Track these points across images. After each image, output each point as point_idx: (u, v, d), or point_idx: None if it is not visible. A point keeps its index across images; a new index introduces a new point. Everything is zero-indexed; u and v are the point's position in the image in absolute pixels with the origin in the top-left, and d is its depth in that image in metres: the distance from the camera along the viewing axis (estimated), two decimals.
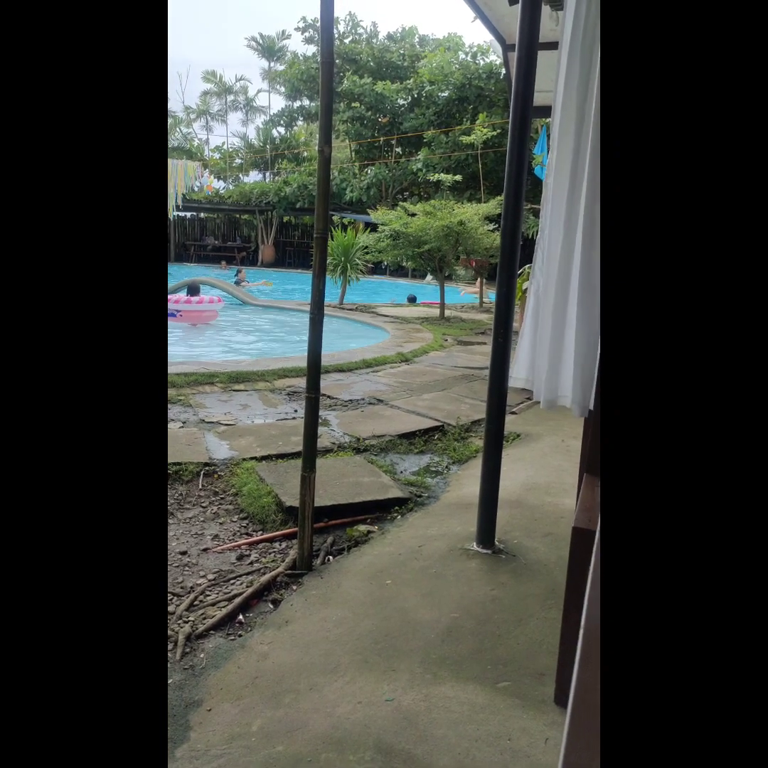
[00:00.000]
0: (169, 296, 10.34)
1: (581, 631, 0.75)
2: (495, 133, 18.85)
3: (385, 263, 16.60)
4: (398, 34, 25.78)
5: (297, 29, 26.71)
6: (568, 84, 2.20)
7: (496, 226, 11.02)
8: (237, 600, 2.35)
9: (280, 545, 2.83)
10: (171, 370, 5.54)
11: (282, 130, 29.78)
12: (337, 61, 24.01)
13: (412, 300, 14.95)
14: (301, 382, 5.46)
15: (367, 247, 12.07)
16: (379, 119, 23.48)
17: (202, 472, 3.46)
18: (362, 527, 2.97)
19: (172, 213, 14.78)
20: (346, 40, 25.56)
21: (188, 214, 27.15)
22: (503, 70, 13.46)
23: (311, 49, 27.27)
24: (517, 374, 2.46)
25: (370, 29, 26.22)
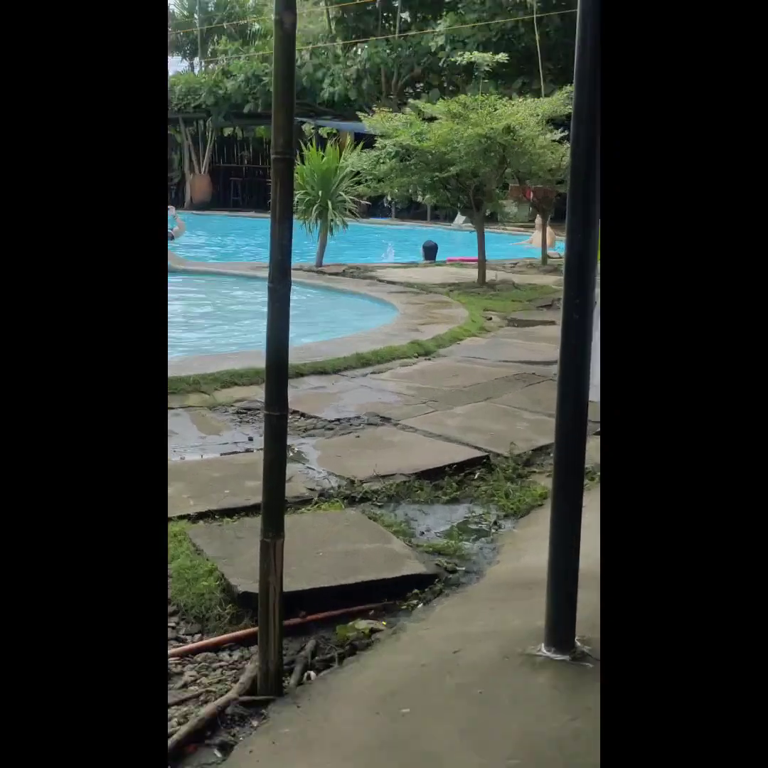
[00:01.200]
0: None
1: None
2: None
3: (389, 198, 16.58)
4: None
5: None
6: None
7: (566, 133, 10.87)
8: None
9: (230, 656, 2.86)
10: None
11: None
12: None
13: (430, 251, 14.92)
14: (258, 393, 5.47)
15: (358, 173, 12.10)
16: None
17: None
18: (362, 623, 3.00)
19: None
20: None
21: None
22: None
23: None
24: (595, 380, 2.54)
25: None
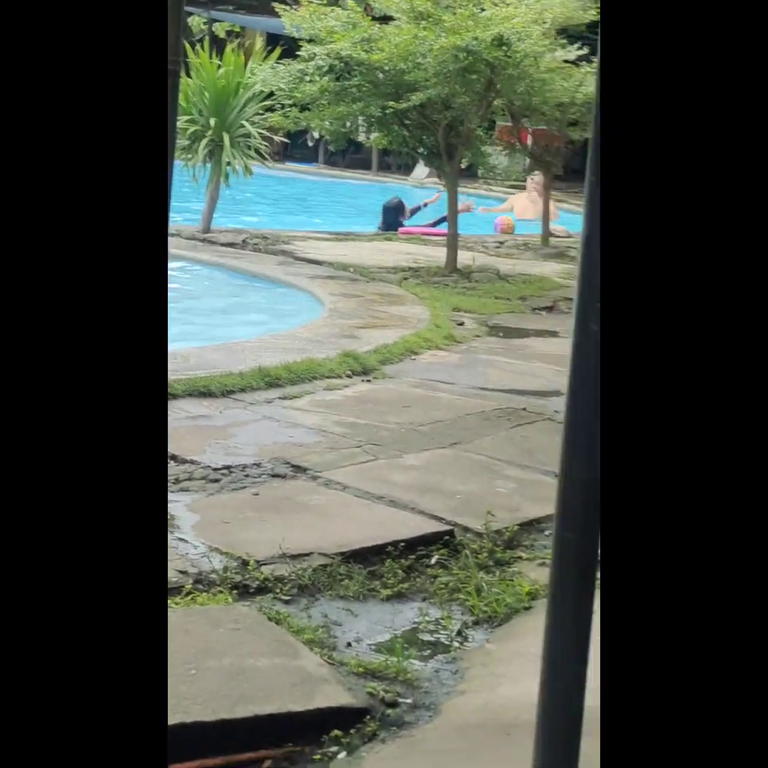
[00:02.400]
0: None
1: None
2: None
3: (316, 135, 15.02)
4: None
5: None
6: None
7: (585, 50, 9.43)
8: None
9: None
10: None
11: None
12: None
13: (390, 214, 13.22)
14: None
15: (272, 94, 10.28)
16: None
17: None
18: None
19: None
20: None
21: None
22: None
23: None
24: None
25: None
